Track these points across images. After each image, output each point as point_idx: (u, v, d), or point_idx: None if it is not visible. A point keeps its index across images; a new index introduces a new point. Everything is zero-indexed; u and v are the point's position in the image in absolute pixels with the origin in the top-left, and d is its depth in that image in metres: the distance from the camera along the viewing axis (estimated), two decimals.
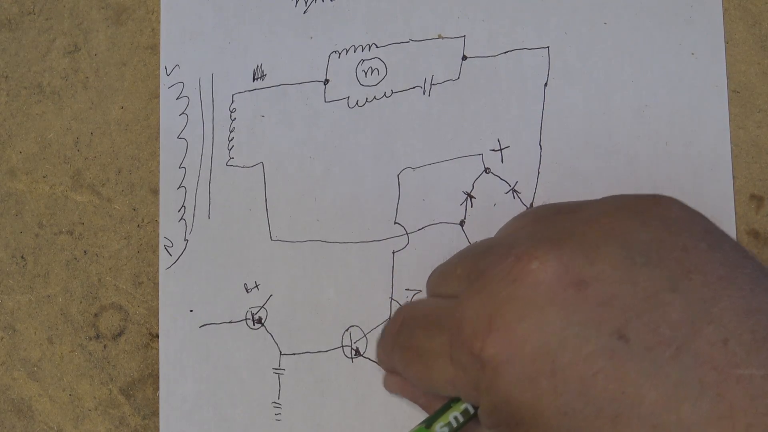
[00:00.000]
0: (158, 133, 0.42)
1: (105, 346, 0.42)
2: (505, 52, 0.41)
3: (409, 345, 0.32)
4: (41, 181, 0.43)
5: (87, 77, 0.43)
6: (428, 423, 0.32)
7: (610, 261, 0.27)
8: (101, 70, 0.43)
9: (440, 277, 0.34)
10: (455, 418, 0.32)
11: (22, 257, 0.42)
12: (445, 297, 0.33)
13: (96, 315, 0.42)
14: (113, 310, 0.42)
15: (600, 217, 0.28)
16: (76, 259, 0.42)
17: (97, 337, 0.42)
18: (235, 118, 0.42)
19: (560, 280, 0.27)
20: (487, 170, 0.41)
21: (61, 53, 0.43)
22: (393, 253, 0.41)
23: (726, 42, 0.41)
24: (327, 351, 0.40)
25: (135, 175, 0.42)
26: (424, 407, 0.35)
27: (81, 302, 0.42)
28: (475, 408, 0.32)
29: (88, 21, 0.43)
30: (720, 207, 0.39)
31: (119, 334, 0.42)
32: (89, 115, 0.43)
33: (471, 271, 0.30)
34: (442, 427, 0.32)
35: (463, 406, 0.32)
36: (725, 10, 0.41)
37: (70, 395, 0.42)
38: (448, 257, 0.40)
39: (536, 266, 0.27)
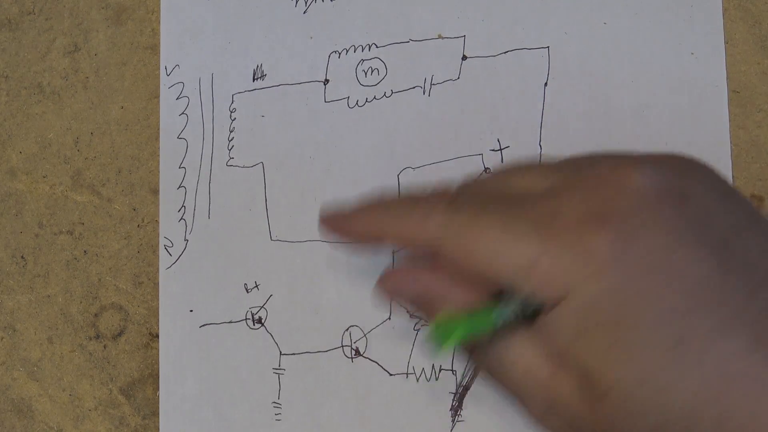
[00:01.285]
0: (158, 133, 0.42)
1: (105, 346, 0.42)
2: (504, 52, 0.41)
3: (475, 218, 0.29)
4: (41, 181, 0.43)
5: (87, 77, 0.43)
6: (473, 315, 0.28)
7: (704, 184, 0.28)
8: (101, 70, 0.43)
9: (510, 173, 0.31)
10: (512, 311, 0.28)
11: (22, 257, 0.42)
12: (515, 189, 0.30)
13: (96, 315, 0.42)
14: (113, 310, 0.42)
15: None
16: (76, 259, 0.42)
17: (97, 337, 0.42)
18: (235, 118, 0.42)
19: (664, 191, 0.27)
20: (486, 170, 0.41)
21: (61, 53, 0.43)
22: (393, 252, 0.41)
23: (726, 42, 0.41)
24: (327, 351, 0.40)
25: (135, 175, 0.42)
26: (441, 301, 0.30)
27: (81, 302, 0.42)
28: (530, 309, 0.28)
29: (88, 21, 0.43)
30: None
31: (119, 334, 0.42)
32: (89, 115, 0.43)
33: (566, 169, 0.30)
34: (502, 309, 0.28)
35: (515, 303, 0.28)
36: (725, 10, 0.41)
37: (70, 395, 0.42)
38: None
39: (640, 176, 0.27)
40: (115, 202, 0.42)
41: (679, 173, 0.28)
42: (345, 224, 0.33)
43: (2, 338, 0.42)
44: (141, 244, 0.42)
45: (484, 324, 0.28)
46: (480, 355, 0.30)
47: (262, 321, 0.41)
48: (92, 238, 0.42)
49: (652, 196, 0.27)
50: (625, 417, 0.26)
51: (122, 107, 0.43)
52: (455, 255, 0.29)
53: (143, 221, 0.42)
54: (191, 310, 0.41)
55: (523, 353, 0.29)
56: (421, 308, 0.31)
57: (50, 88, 0.43)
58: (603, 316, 0.26)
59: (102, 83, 0.43)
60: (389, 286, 0.31)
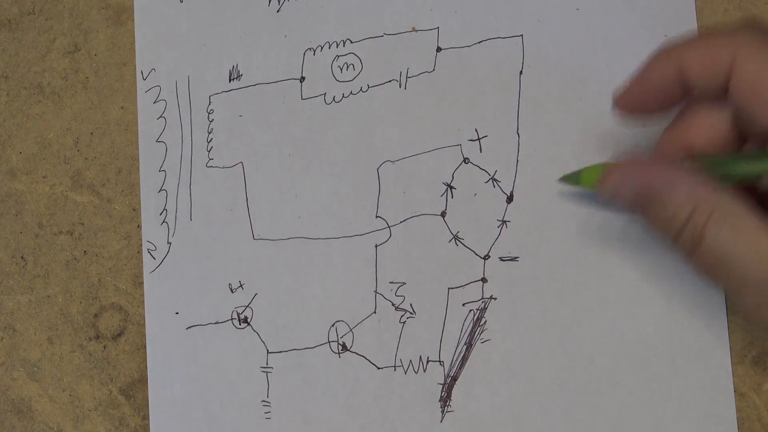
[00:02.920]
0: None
1: (105, 347, 0.42)
2: (479, 42, 0.41)
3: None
4: (41, 181, 0.43)
5: (87, 77, 0.43)
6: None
7: None
8: (101, 70, 0.43)
9: None
10: None
11: (22, 257, 0.42)
12: None
13: (96, 315, 0.42)
14: (113, 310, 0.42)
15: None
16: (76, 259, 0.42)
17: (97, 337, 0.42)
18: (213, 119, 0.42)
19: None
20: (466, 160, 0.41)
21: (61, 53, 0.43)
22: (375, 246, 0.41)
23: None
24: (314, 347, 0.41)
25: (135, 175, 0.42)
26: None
27: (81, 302, 0.42)
28: None
29: (88, 21, 0.43)
30: None
31: (119, 335, 0.42)
32: (89, 115, 0.43)
33: None
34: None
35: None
36: (725, 10, 0.41)
37: (70, 395, 0.42)
38: (431, 249, 0.40)
39: None
40: (115, 202, 0.42)
41: None
42: (634, 89, 0.34)
43: (2, 338, 0.42)
44: (141, 244, 0.42)
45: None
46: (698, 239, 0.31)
47: (248, 320, 0.41)
48: (92, 239, 0.42)
49: None
50: None
51: (122, 107, 0.43)
52: (749, 79, 0.31)
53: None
54: (177, 313, 0.41)
55: (748, 228, 0.30)
56: (644, 205, 0.32)
57: (50, 88, 0.43)
58: None
59: (102, 83, 0.43)
60: (613, 182, 0.33)
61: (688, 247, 0.31)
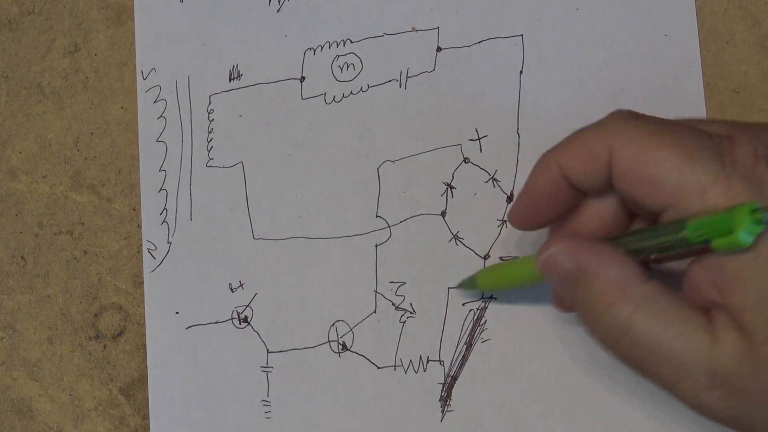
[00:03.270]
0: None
1: (105, 346, 0.42)
2: (479, 42, 0.41)
3: (654, 132, 0.30)
4: (41, 181, 0.43)
5: (87, 77, 0.43)
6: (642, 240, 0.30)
7: None
8: (101, 70, 0.43)
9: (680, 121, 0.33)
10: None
11: (22, 257, 0.42)
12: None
13: (96, 315, 0.42)
14: (113, 310, 0.42)
15: None
16: (76, 259, 0.42)
17: (97, 337, 0.42)
18: (213, 119, 0.42)
19: None
20: (466, 160, 0.41)
21: (61, 53, 0.43)
22: (376, 246, 0.41)
23: (726, 42, 0.41)
24: (314, 347, 0.41)
25: (135, 175, 0.42)
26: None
27: (81, 302, 0.42)
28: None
29: (88, 21, 0.43)
30: None
31: (119, 334, 0.42)
32: (89, 115, 0.43)
33: (732, 123, 0.32)
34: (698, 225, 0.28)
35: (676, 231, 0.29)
36: (725, 10, 0.41)
37: (70, 395, 0.42)
38: (431, 248, 0.40)
39: None
40: (115, 202, 0.42)
41: None
42: (525, 201, 0.34)
43: (2, 338, 0.42)
44: (141, 244, 0.42)
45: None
46: (616, 327, 0.30)
47: (248, 320, 0.41)
48: (92, 238, 0.42)
49: None
50: None
51: (122, 107, 0.43)
52: (629, 167, 0.30)
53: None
54: (177, 313, 0.41)
55: (678, 317, 0.29)
56: (573, 282, 0.32)
57: (50, 88, 0.43)
58: None
59: (102, 83, 0.43)
60: (556, 252, 0.32)
61: (612, 335, 0.31)
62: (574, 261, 0.31)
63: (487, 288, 0.39)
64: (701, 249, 0.29)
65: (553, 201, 0.33)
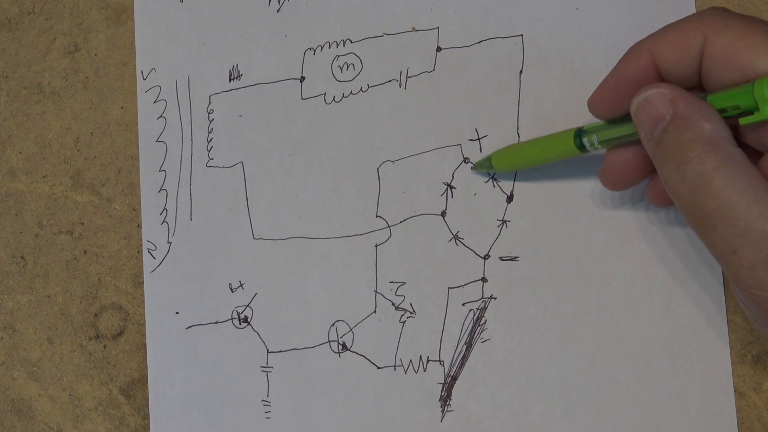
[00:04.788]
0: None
1: (105, 346, 0.42)
2: (479, 42, 0.41)
3: (745, 20, 0.32)
4: (41, 181, 0.43)
5: (87, 77, 0.43)
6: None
7: None
8: (101, 70, 0.43)
9: None
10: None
11: (22, 257, 0.42)
12: None
13: (96, 315, 0.42)
14: (113, 310, 0.42)
15: None
16: (76, 259, 0.42)
17: (97, 337, 0.42)
18: (213, 119, 0.42)
19: None
20: (466, 160, 0.41)
21: (61, 53, 0.43)
22: (375, 246, 0.41)
23: None
24: (314, 347, 0.41)
25: (135, 175, 0.42)
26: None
27: (81, 302, 0.42)
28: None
29: (88, 21, 0.43)
30: None
31: (119, 334, 0.42)
32: (89, 115, 0.43)
33: None
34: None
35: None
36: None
37: (70, 395, 0.42)
38: (431, 248, 0.40)
39: None
40: (115, 202, 0.42)
41: None
42: (608, 86, 0.35)
43: (2, 338, 0.42)
44: (141, 244, 0.42)
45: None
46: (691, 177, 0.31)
47: (248, 320, 0.41)
48: (92, 238, 0.42)
49: None
50: None
51: (122, 107, 0.43)
52: (723, 52, 0.31)
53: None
54: (177, 313, 0.41)
55: (758, 185, 0.30)
56: (659, 131, 0.32)
57: (50, 88, 0.43)
58: None
59: (102, 83, 0.43)
60: (644, 104, 0.32)
61: (693, 182, 0.31)
62: (673, 106, 0.31)
63: (504, 168, 0.39)
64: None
65: (637, 89, 0.33)
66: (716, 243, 0.30)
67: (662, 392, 0.39)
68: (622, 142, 0.35)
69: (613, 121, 0.35)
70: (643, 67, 0.33)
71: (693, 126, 0.31)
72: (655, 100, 0.32)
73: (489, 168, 0.40)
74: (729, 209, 0.30)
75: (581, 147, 0.36)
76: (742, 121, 0.31)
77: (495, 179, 0.41)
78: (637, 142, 0.35)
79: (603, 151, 0.36)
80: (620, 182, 0.36)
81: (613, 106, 0.35)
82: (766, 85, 0.30)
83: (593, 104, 0.36)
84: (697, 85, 0.33)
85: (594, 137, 0.35)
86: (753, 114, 0.30)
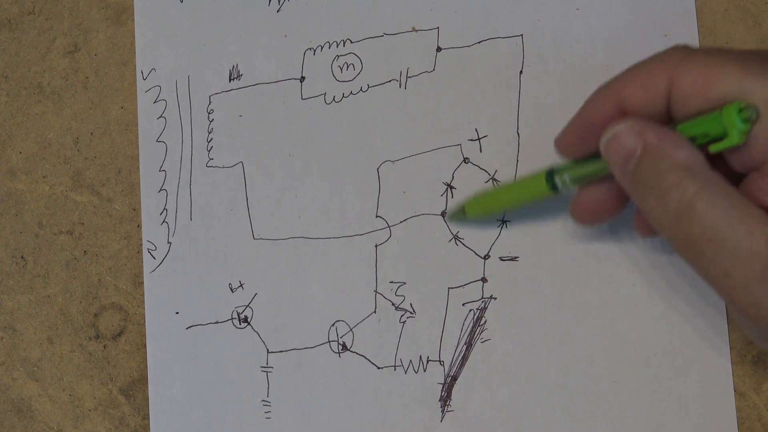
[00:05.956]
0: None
1: (105, 346, 0.42)
2: (479, 42, 0.41)
3: (712, 54, 0.32)
4: (41, 181, 0.43)
5: (87, 77, 0.43)
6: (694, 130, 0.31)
7: None
8: (101, 70, 0.43)
9: None
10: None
11: (22, 257, 0.42)
12: None
13: (96, 315, 0.42)
14: (113, 310, 0.42)
15: None
16: (76, 259, 0.42)
17: (97, 337, 0.42)
18: (213, 119, 0.42)
19: None
20: (466, 160, 0.41)
21: (61, 53, 0.43)
22: (376, 246, 0.41)
23: (726, 42, 0.41)
24: (314, 347, 0.41)
25: (135, 175, 0.42)
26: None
27: (81, 302, 0.42)
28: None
29: (88, 21, 0.43)
30: None
31: (119, 334, 0.42)
32: (89, 115, 0.43)
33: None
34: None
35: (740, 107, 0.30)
36: (725, 10, 0.41)
37: (70, 395, 0.42)
38: (431, 248, 0.40)
39: None
40: (115, 202, 0.42)
41: None
42: (575, 129, 0.35)
43: (2, 338, 0.42)
44: (141, 244, 0.42)
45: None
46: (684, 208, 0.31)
47: (248, 320, 0.41)
48: (92, 238, 0.42)
49: None
50: None
51: (122, 107, 0.43)
52: (691, 89, 0.31)
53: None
54: (177, 313, 0.41)
55: (741, 204, 0.30)
56: (632, 166, 0.32)
57: (50, 88, 0.43)
58: None
59: (102, 83, 0.43)
60: (620, 133, 0.32)
61: (675, 211, 0.30)
62: (642, 139, 0.31)
63: (479, 215, 0.39)
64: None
65: (600, 132, 0.33)
66: (707, 267, 0.30)
67: (662, 392, 0.39)
68: (594, 179, 0.35)
69: (583, 160, 0.35)
70: (609, 110, 0.33)
71: (666, 155, 0.31)
72: (624, 135, 0.32)
73: (462, 216, 0.39)
74: (715, 232, 0.30)
75: (553, 187, 0.36)
76: (712, 148, 0.31)
77: (495, 180, 0.41)
78: (608, 178, 0.34)
79: (575, 191, 0.36)
80: (591, 218, 0.36)
81: (581, 147, 0.35)
82: (734, 110, 0.30)
83: (560, 145, 0.36)
84: (666, 123, 0.33)
85: (566, 176, 0.35)
86: (722, 140, 0.30)
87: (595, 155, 0.34)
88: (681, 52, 0.32)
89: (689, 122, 0.31)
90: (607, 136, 0.32)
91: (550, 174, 0.36)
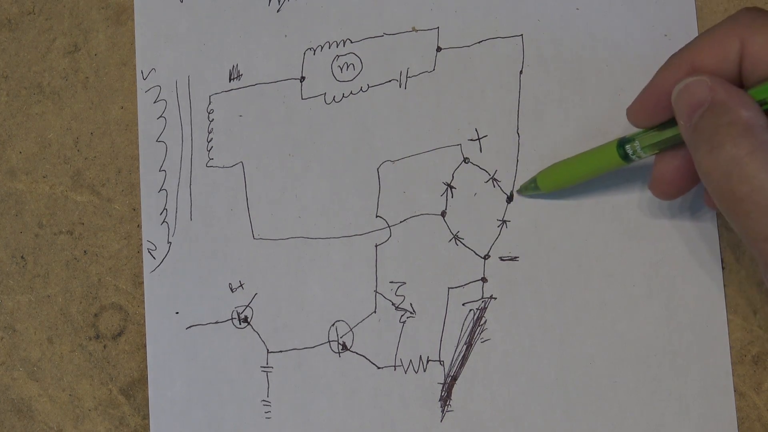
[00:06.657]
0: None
1: (105, 346, 0.42)
2: (479, 42, 0.41)
3: None
4: (41, 181, 0.43)
5: (87, 77, 0.43)
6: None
7: None
8: (101, 70, 0.43)
9: None
10: None
11: (22, 257, 0.42)
12: None
13: (96, 315, 0.42)
14: (113, 310, 0.42)
15: None
16: (76, 259, 0.42)
17: (97, 337, 0.42)
18: (213, 119, 0.42)
19: None
20: (466, 160, 0.41)
21: (61, 53, 0.43)
22: (376, 246, 0.41)
23: None
24: (314, 347, 0.41)
25: (135, 175, 0.42)
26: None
27: (81, 302, 0.42)
28: None
29: (88, 21, 0.43)
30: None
31: (119, 334, 0.42)
32: (89, 115, 0.43)
33: None
34: None
35: None
36: (725, 10, 0.41)
37: (70, 395, 0.42)
38: (431, 248, 0.40)
39: None
40: (115, 202, 0.42)
41: None
42: (648, 97, 0.35)
43: (2, 338, 0.42)
44: (141, 244, 0.42)
45: None
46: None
47: (248, 320, 0.41)
48: (92, 238, 0.42)
49: None
50: None
51: (122, 107, 0.43)
52: (763, 52, 0.31)
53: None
54: (177, 313, 0.41)
55: None
56: (697, 117, 0.32)
57: (50, 88, 0.43)
58: None
59: (102, 83, 0.43)
60: (684, 92, 0.33)
61: (726, 166, 0.31)
62: (712, 93, 0.32)
63: (550, 188, 0.39)
64: None
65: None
66: (749, 228, 0.30)
67: (662, 392, 0.39)
68: (664, 147, 0.35)
69: (653, 127, 0.35)
70: (682, 77, 0.33)
71: (729, 111, 0.31)
72: (695, 87, 0.32)
73: (535, 189, 0.40)
74: (763, 194, 0.30)
75: (625, 156, 0.36)
76: None
77: (495, 180, 0.41)
78: (683, 149, 0.35)
79: (647, 159, 0.36)
80: (670, 191, 0.36)
81: (653, 115, 0.35)
82: None
83: (633, 114, 0.36)
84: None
85: (636, 144, 0.35)
86: None
87: (666, 123, 0.34)
88: (753, 13, 0.32)
89: (760, 86, 0.32)
90: (680, 86, 0.33)
91: (622, 143, 0.36)
